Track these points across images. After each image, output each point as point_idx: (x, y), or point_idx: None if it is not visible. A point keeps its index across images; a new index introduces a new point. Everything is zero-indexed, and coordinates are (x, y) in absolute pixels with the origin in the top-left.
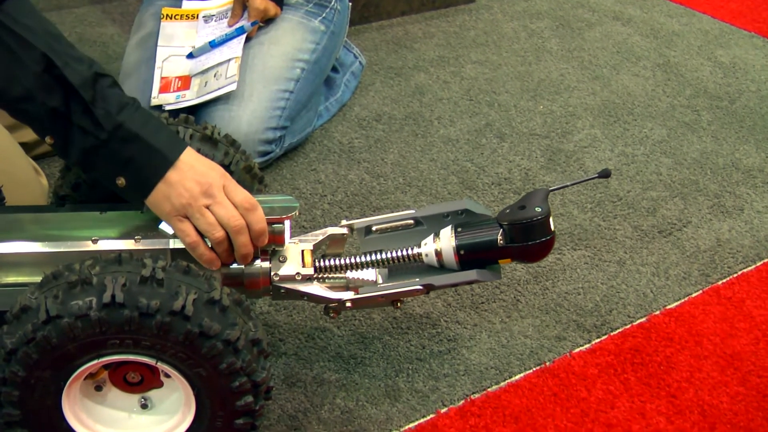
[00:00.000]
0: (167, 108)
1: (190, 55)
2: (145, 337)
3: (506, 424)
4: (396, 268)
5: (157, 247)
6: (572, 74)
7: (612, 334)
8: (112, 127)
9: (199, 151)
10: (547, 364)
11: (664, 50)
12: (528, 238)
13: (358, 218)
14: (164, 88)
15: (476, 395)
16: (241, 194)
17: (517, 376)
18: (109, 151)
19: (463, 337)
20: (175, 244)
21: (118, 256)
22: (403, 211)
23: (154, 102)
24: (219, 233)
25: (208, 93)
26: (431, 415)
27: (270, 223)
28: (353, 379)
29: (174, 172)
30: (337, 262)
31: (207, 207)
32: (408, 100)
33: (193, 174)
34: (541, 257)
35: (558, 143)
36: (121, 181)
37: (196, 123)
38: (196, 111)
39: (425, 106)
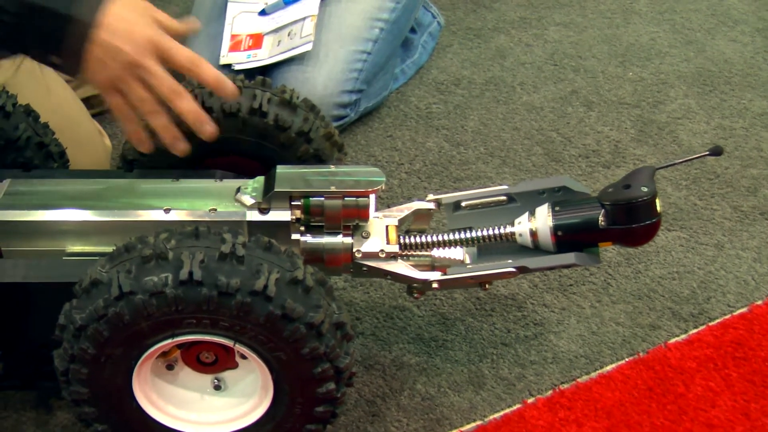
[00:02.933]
0: (237, 67)
1: (263, 12)
2: (224, 317)
3: (598, 419)
4: (486, 248)
5: (233, 219)
6: (663, 38)
7: (710, 324)
8: (17, 6)
9: (276, 117)
10: (641, 354)
11: (764, 13)
12: (632, 219)
13: (445, 192)
14: (234, 47)
15: (565, 385)
16: (182, 53)
17: (609, 367)
18: (19, 30)
19: (551, 322)
20: (252, 216)
21: (195, 230)
22: (489, 184)
23: (223, 61)
24: (148, 107)
25: (281, 53)
26: (518, 405)
27: (354, 196)
28: (434, 364)
29: (99, 33)
30: (423, 239)
31: (138, 77)
32: (488, 63)
33: (122, 35)
34: (645, 241)
35: (649, 113)
36: (55, 60)
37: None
38: (266, 72)
39: (507, 71)
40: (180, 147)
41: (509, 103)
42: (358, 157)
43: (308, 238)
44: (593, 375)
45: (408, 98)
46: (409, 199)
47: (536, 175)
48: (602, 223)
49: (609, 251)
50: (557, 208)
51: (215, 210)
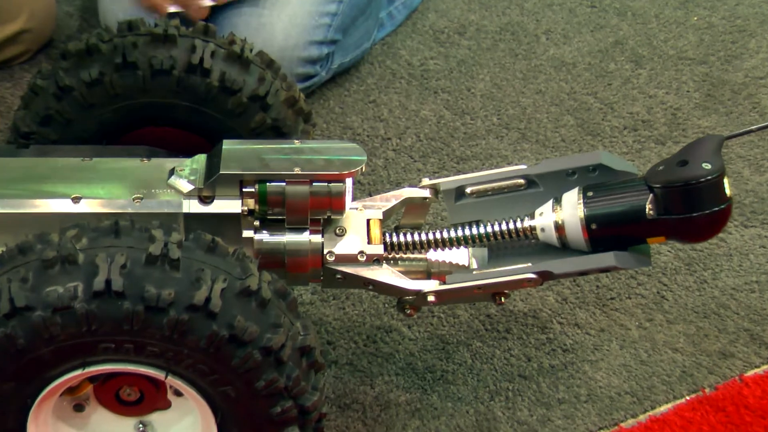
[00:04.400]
0: (171, 9)
1: None
2: (152, 340)
3: None
4: (499, 248)
5: (165, 210)
6: None
7: None
8: None
9: (222, 76)
10: (708, 391)
11: None
12: (691, 206)
13: (445, 175)
14: None
15: None
16: None
17: (664, 408)
18: None
19: (585, 347)
20: (191, 207)
21: (115, 224)
22: (502, 165)
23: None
24: None
25: None
26: None
27: (326, 180)
28: (431, 402)
29: None
30: (416, 237)
31: None
32: (503, 5)
33: None
34: (709, 235)
35: (720, 72)
36: None
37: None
38: (210, 16)
39: (528, 15)
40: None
41: (531, 58)
42: (331, 129)
43: (265, 236)
44: (642, 418)
45: (397, 51)
46: (398, 185)
47: (565, 153)
48: (651, 211)
49: (663, 251)
50: (591, 194)
51: (141, 199)
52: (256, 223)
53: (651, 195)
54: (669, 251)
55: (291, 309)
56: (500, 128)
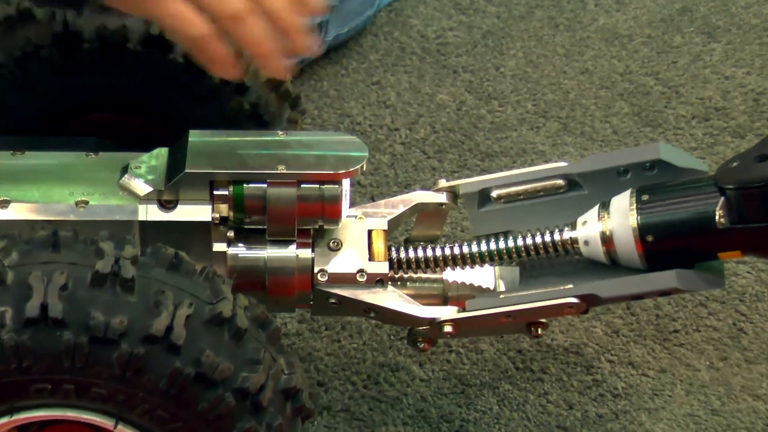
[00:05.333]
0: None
1: None
2: (99, 380)
3: None
4: (533, 266)
5: (117, 218)
6: None
7: None
8: None
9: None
10: None
11: None
12: None
13: (467, 176)
14: None
15: None
16: None
17: None
18: None
19: (642, 393)
20: (149, 214)
21: (53, 235)
22: (538, 163)
23: None
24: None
25: None
26: None
27: (318, 181)
28: None
29: None
30: (430, 253)
31: None
32: None
33: None
34: None
35: None
36: None
37: None
38: None
39: None
40: (282, 65)
41: (575, 29)
42: (325, 117)
43: (241, 250)
44: None
45: (407, 20)
46: (408, 188)
47: (617, 148)
48: (722, 219)
49: (741, 272)
50: (646, 197)
51: (86, 203)
52: (230, 233)
53: (722, 199)
54: (749, 272)
55: (273, 341)
56: (536, 117)
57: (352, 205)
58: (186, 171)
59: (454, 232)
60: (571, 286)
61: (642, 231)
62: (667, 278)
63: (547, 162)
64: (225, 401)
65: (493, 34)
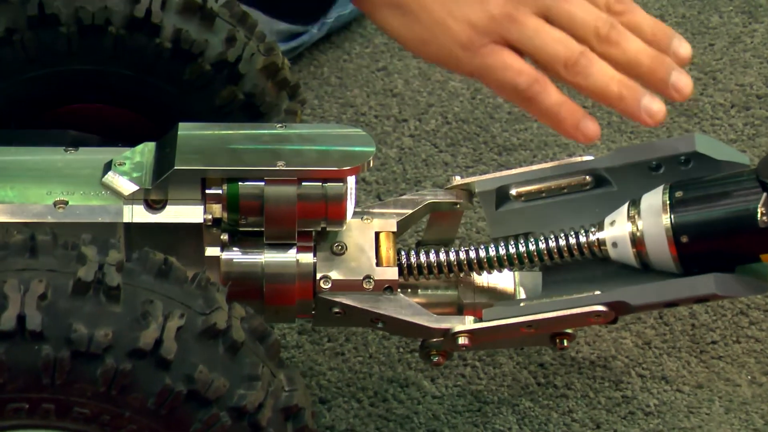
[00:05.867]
0: None
1: None
2: (82, 398)
3: None
4: (557, 271)
5: (99, 219)
6: None
7: None
8: None
9: (177, 34)
10: None
11: None
12: None
13: (480, 172)
14: None
15: None
16: None
17: None
18: None
19: (677, 410)
20: (135, 215)
21: (30, 239)
22: (561, 157)
23: None
24: (570, 52)
25: None
26: None
27: (320, 179)
28: None
29: None
30: (443, 257)
31: (541, 8)
32: None
33: None
34: None
35: None
36: None
37: None
38: None
39: None
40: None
41: None
42: (326, 107)
43: (236, 255)
44: None
45: None
46: (418, 185)
47: (648, 140)
48: (764, 218)
49: None
50: (680, 194)
51: (65, 203)
52: (224, 236)
53: (765, 195)
54: None
55: (272, 355)
56: None
57: (358, 204)
58: (175, 168)
59: (470, 233)
60: (598, 292)
61: (676, 231)
62: (704, 283)
63: (571, 156)
64: (220, 421)
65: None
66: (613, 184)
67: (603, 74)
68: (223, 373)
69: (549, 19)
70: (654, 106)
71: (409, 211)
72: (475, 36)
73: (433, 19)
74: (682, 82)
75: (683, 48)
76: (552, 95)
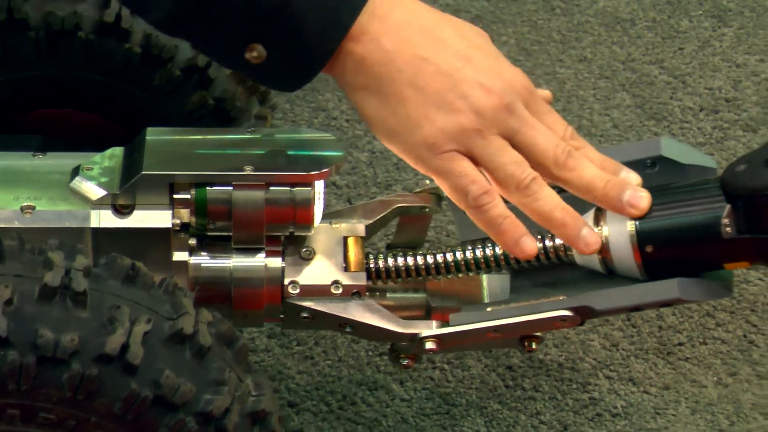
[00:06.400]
0: None
1: None
2: (48, 404)
3: None
4: (524, 274)
5: (67, 224)
6: None
7: None
8: None
9: (147, 39)
10: None
11: None
12: None
13: None
14: None
15: None
16: (553, 116)
17: None
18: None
19: (644, 411)
20: (103, 220)
21: None
22: None
23: None
24: (524, 179)
25: None
26: None
27: (288, 184)
28: None
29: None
30: (411, 261)
31: (506, 129)
32: None
33: (463, 50)
34: None
35: None
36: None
37: None
38: None
39: None
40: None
41: (572, 13)
42: (298, 111)
43: (204, 260)
44: None
45: None
46: (388, 189)
47: (618, 143)
48: (728, 228)
49: (752, 279)
50: None
51: (32, 208)
52: (192, 241)
53: (728, 206)
54: (761, 279)
55: (239, 360)
56: None
57: (327, 209)
58: (143, 173)
59: (440, 237)
60: (564, 297)
61: (640, 239)
62: (668, 288)
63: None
64: (186, 426)
65: (483, 18)
66: None
67: (550, 200)
68: (189, 378)
69: (512, 141)
70: (592, 238)
71: (378, 216)
72: (442, 141)
73: (409, 116)
74: (637, 197)
75: (632, 177)
76: (498, 208)
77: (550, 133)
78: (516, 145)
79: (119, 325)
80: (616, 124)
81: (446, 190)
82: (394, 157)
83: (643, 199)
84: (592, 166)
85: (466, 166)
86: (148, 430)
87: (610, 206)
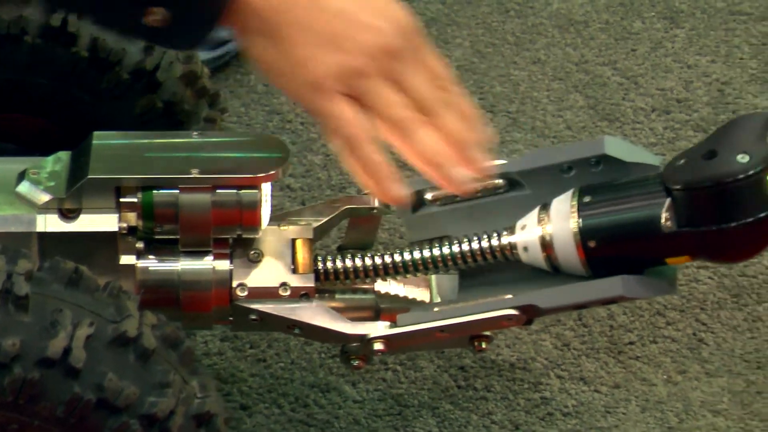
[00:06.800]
0: None
1: None
2: None
3: None
4: (472, 274)
5: (12, 229)
6: None
7: None
8: None
9: (94, 43)
10: None
11: None
12: (724, 215)
13: (406, 176)
14: None
15: None
16: (436, 61)
17: None
18: None
19: (594, 410)
20: (49, 224)
21: None
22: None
23: None
24: (409, 122)
25: None
26: None
27: (235, 186)
28: None
29: None
30: (359, 262)
31: (390, 72)
32: None
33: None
34: (750, 253)
35: None
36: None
37: None
38: None
39: None
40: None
41: (526, 15)
42: (252, 115)
43: (151, 263)
44: None
45: None
46: (343, 191)
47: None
48: (668, 222)
49: (702, 278)
50: (588, 198)
51: None
52: (140, 245)
53: (668, 200)
54: (710, 278)
55: (185, 362)
56: (483, 112)
57: (281, 211)
58: (89, 176)
59: (393, 238)
60: (510, 296)
61: (583, 236)
62: (611, 285)
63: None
64: (130, 429)
65: (438, 21)
66: (526, 188)
67: (427, 140)
68: (133, 381)
69: (396, 84)
70: (465, 176)
71: (326, 218)
72: (327, 81)
73: (297, 57)
74: (468, 183)
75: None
76: (373, 151)
77: (428, 81)
78: (400, 88)
79: (62, 329)
80: (569, 125)
81: (326, 132)
82: None
83: (472, 185)
84: (457, 121)
85: (345, 108)
86: None
87: (437, 177)
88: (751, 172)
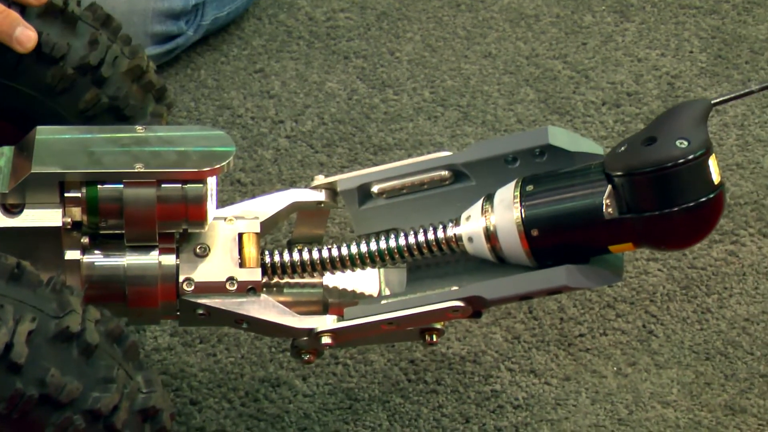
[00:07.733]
0: None
1: None
2: None
3: None
4: (419, 267)
5: None
6: None
7: None
8: None
9: (40, 36)
10: None
11: None
12: (664, 200)
13: (346, 171)
14: None
15: None
16: None
17: None
18: None
19: (545, 403)
20: None
21: None
22: (429, 154)
23: None
24: None
25: None
26: None
27: (180, 180)
28: None
29: None
30: (307, 256)
31: None
32: None
33: None
34: (693, 239)
35: (736, 25)
36: None
37: None
38: None
39: None
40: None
41: (477, 9)
42: (202, 109)
43: (97, 258)
44: None
45: (294, 1)
46: (293, 185)
47: None
48: (609, 209)
49: (651, 270)
50: (531, 188)
51: None
52: (85, 240)
53: (609, 187)
54: (660, 270)
55: (129, 357)
56: (434, 106)
57: (227, 205)
58: (32, 171)
59: (344, 232)
60: (456, 287)
61: (526, 225)
62: (555, 275)
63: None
64: (74, 424)
65: (389, 15)
66: (471, 179)
67: None
68: (76, 377)
69: None
70: (26, 34)
71: (273, 212)
72: None
73: None
74: (26, 35)
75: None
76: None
77: None
78: None
79: (2, 324)
80: (520, 119)
81: None
82: (299, 154)
83: (31, 38)
84: None
85: None
86: (35, 429)
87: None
88: (690, 157)
